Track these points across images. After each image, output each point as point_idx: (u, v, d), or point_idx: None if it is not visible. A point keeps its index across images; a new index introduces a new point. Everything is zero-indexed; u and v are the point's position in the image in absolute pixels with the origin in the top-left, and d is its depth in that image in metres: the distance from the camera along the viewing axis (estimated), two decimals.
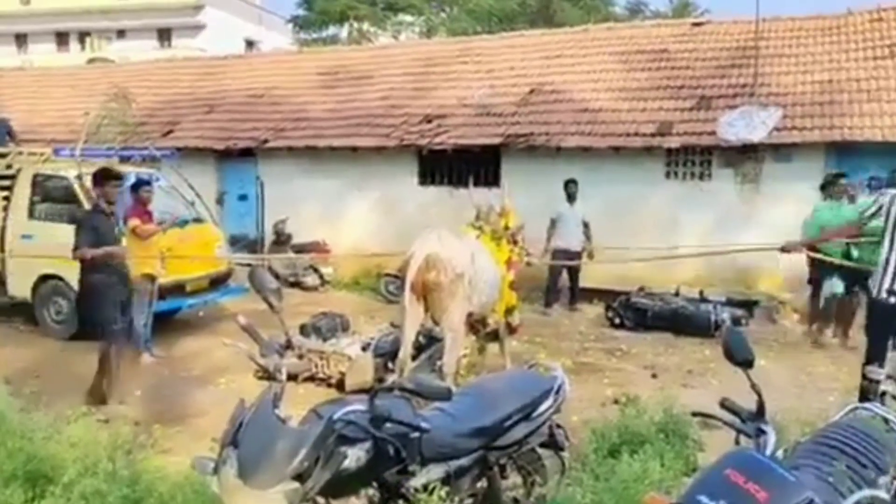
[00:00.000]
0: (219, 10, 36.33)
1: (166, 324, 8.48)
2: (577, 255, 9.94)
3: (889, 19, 12.25)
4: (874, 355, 5.18)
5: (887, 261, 5.13)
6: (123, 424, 4.20)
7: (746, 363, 2.63)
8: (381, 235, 11.65)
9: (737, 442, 2.66)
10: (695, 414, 3.13)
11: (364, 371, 6.32)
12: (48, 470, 3.71)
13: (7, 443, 3.88)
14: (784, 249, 5.77)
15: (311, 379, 6.67)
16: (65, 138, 11.44)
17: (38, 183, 8.71)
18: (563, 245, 9.84)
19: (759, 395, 2.60)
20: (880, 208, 5.26)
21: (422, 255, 5.73)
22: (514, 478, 3.68)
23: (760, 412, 2.58)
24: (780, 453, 2.96)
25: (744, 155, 10.57)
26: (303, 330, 6.97)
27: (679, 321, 9.11)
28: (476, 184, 11.60)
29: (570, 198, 10.13)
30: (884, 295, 5.13)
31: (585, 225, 10.13)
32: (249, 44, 36.14)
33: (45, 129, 14.27)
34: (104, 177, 6.38)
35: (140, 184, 7.76)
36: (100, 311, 6.15)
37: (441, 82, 13.83)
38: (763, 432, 2.52)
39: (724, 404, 2.70)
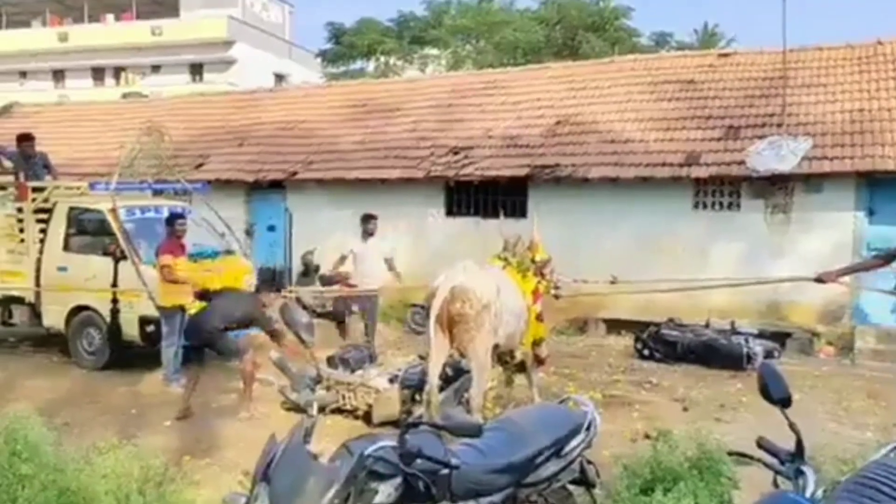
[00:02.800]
0: (249, 45, 37.12)
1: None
2: (375, 300, 9.38)
3: None
4: None
5: None
6: (153, 456, 4.21)
7: (784, 402, 2.57)
8: (408, 266, 11.62)
9: (775, 484, 2.59)
10: (731, 454, 3.06)
11: (391, 403, 6.31)
12: (80, 502, 3.74)
13: (40, 475, 3.92)
14: (819, 280, 5.65)
15: (339, 411, 6.67)
16: (101, 172, 11.70)
17: (73, 216, 8.91)
18: (358, 284, 9.17)
19: (798, 434, 2.52)
20: None
21: (447, 287, 5.75)
22: None
23: (799, 452, 2.51)
24: (819, 494, 2.88)
25: (773, 185, 10.47)
26: (330, 362, 7.00)
27: (710, 353, 8.99)
28: (504, 215, 11.66)
29: (367, 233, 9.37)
30: None
31: (387, 261, 9.38)
32: (279, 78, 36.79)
33: (82, 163, 14.61)
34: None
35: (174, 217, 7.89)
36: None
37: (468, 114, 13.94)
38: (802, 473, 2.45)
39: (761, 444, 2.63)
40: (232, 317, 6.78)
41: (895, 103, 10.87)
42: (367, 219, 9.51)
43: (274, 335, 7.06)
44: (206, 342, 6.90)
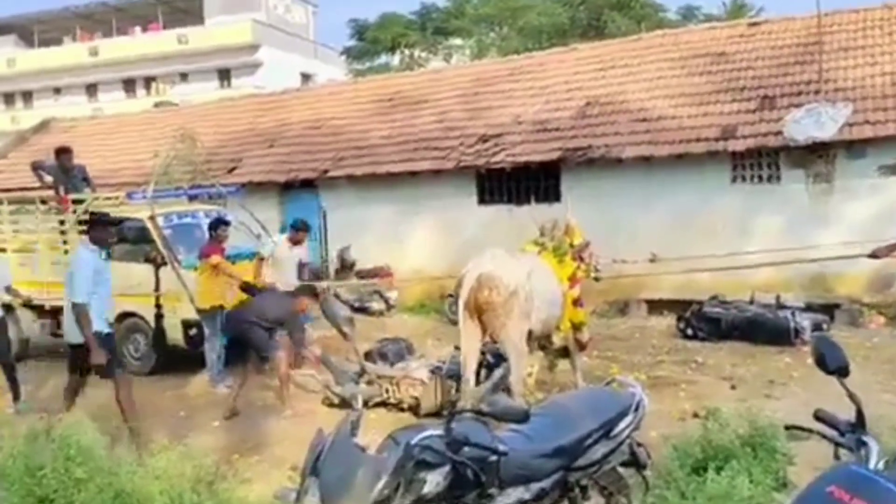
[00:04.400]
0: (274, 47, 37.41)
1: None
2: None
3: None
4: None
5: None
6: (204, 455, 4.26)
7: (841, 371, 2.49)
8: (443, 257, 11.67)
9: (836, 456, 2.51)
10: (788, 427, 2.98)
11: (436, 394, 6.31)
12: (135, 503, 3.81)
13: (96, 478, 4.00)
14: (874, 255, 5.45)
15: (383, 404, 6.69)
16: (137, 181, 11.90)
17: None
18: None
19: (858, 404, 2.44)
20: None
21: (474, 275, 5.74)
22: (597, 499, 3.59)
23: (861, 423, 2.43)
24: (881, 465, 2.78)
25: (814, 154, 10.20)
26: (368, 356, 7.01)
27: (756, 329, 8.79)
28: (537, 200, 11.61)
29: (294, 242, 8.65)
30: None
31: (302, 266, 8.78)
32: (305, 77, 37.02)
33: (118, 174, 14.89)
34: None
35: (218, 223, 8.01)
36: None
37: (495, 101, 13.85)
38: (864, 444, 2.37)
39: (818, 416, 2.55)
40: (265, 315, 6.84)
41: None
42: (297, 228, 8.72)
43: (297, 341, 7.12)
44: (239, 334, 7.00)
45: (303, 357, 7.36)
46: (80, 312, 5.75)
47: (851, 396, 2.44)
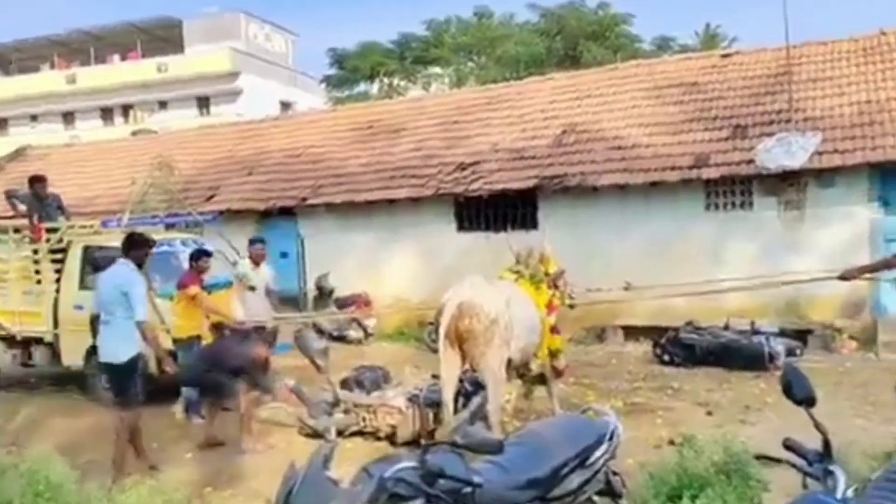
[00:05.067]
0: (254, 75, 37.51)
1: None
2: (264, 334, 8.20)
3: None
4: None
5: None
6: (175, 490, 4.19)
7: (808, 401, 2.53)
8: (422, 284, 11.68)
9: (804, 485, 2.54)
10: (758, 457, 3.00)
11: (413, 423, 6.27)
12: None
13: None
14: (843, 278, 5.56)
15: (359, 433, 6.63)
16: (113, 209, 11.83)
17: (87, 255, 8.97)
18: (244, 319, 7.99)
19: (825, 434, 2.48)
20: None
21: (455, 303, 5.73)
22: None
23: (827, 452, 2.46)
24: (850, 493, 2.81)
25: (785, 182, 10.40)
26: (345, 384, 6.94)
27: (730, 355, 8.88)
28: (514, 227, 11.68)
29: (253, 260, 8.55)
30: None
31: (269, 293, 8.65)
32: (285, 105, 37.10)
33: (94, 202, 14.78)
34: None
35: (200, 254, 7.95)
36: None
37: (473, 130, 13.99)
38: (831, 473, 2.40)
39: (788, 445, 2.58)
40: (222, 364, 6.67)
41: None
42: (253, 243, 8.66)
43: (262, 389, 7.02)
44: (194, 380, 6.85)
45: (266, 400, 7.27)
46: (145, 329, 5.87)
47: (818, 426, 2.48)
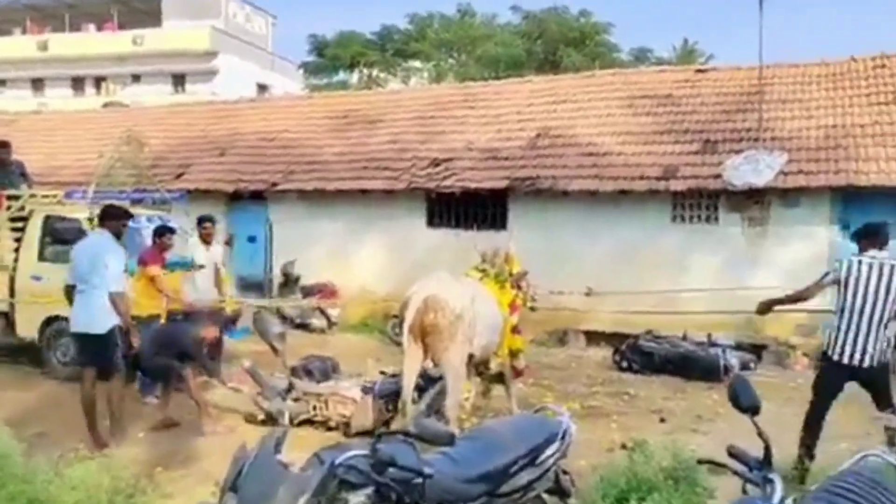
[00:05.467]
0: (232, 55, 37.02)
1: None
2: (214, 316, 8.03)
3: (892, 66, 12.40)
4: (817, 408, 5.43)
5: (839, 327, 5.24)
6: (124, 468, 4.15)
7: (752, 410, 2.61)
8: (389, 277, 11.68)
9: (744, 491, 2.62)
10: (701, 461, 3.10)
11: (368, 413, 6.28)
12: None
13: (8, 486, 3.86)
14: (760, 311, 5.83)
15: (309, 422, 6.60)
16: (79, 181, 11.58)
17: (49, 225, 8.80)
18: (193, 300, 7.80)
19: (767, 442, 2.56)
20: (832, 276, 5.28)
21: (420, 298, 5.76)
22: None
23: (768, 460, 2.55)
24: (789, 502, 2.90)
25: (750, 199, 10.60)
26: (294, 372, 6.88)
27: (687, 365, 9.04)
28: (484, 226, 11.74)
29: (204, 240, 8.37)
30: (835, 357, 5.27)
31: (218, 269, 8.47)
32: (262, 88, 36.71)
33: (60, 172, 14.47)
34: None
35: (164, 231, 7.84)
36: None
37: (449, 126, 14.01)
38: (770, 480, 2.48)
39: (731, 451, 2.66)
40: (169, 346, 6.60)
41: (868, 119, 11.08)
42: (202, 222, 8.48)
43: (209, 373, 6.98)
44: (143, 365, 6.77)
45: (214, 382, 7.23)
46: (121, 300, 5.88)
47: (760, 434, 2.56)
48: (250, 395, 6.78)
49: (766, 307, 5.78)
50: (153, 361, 6.58)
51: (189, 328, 6.98)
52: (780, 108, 11.90)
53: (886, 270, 5.13)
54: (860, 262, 5.21)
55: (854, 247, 5.49)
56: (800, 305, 5.85)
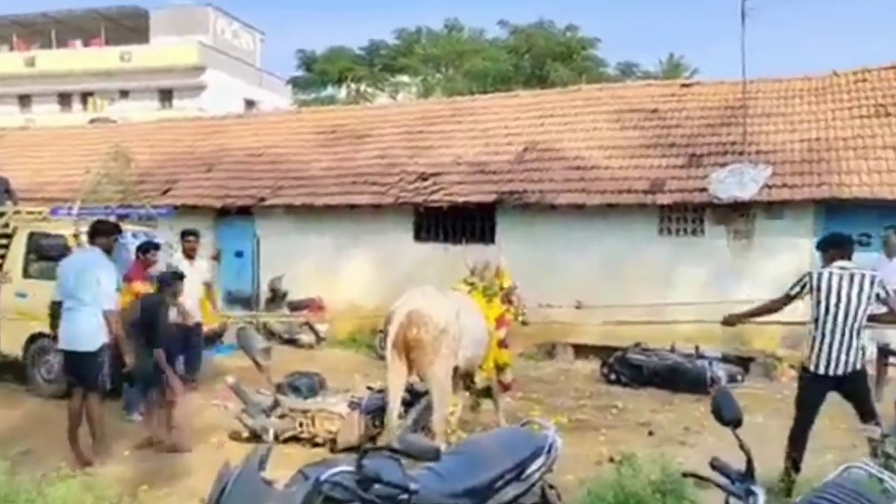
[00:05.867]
0: (220, 71, 37.07)
1: None
2: (197, 330, 8.16)
3: (873, 80, 12.57)
4: (801, 422, 5.45)
5: (814, 339, 5.28)
6: (108, 486, 4.11)
7: (734, 423, 2.63)
8: (377, 292, 11.64)
9: (726, 503, 2.64)
10: (685, 475, 3.11)
11: (354, 429, 6.25)
12: None
13: None
14: (726, 322, 5.90)
15: (295, 439, 6.57)
16: (65, 197, 11.52)
17: (33, 242, 8.75)
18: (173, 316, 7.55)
19: (749, 455, 2.58)
20: (804, 286, 5.34)
21: (404, 312, 5.75)
22: None
23: (750, 472, 2.56)
24: None
25: (735, 212, 10.68)
26: (280, 389, 6.84)
27: (675, 377, 9.06)
28: (472, 240, 11.73)
29: (186, 254, 8.38)
30: (812, 368, 5.31)
31: (206, 284, 8.52)
32: (249, 104, 36.74)
33: (46, 188, 14.41)
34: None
35: (148, 247, 7.80)
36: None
37: (436, 141, 14.05)
38: (753, 493, 2.49)
39: (714, 464, 2.68)
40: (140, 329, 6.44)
41: (850, 132, 11.21)
42: (185, 236, 8.48)
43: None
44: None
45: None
46: (113, 318, 5.87)
47: (742, 447, 2.58)
48: (234, 412, 6.74)
49: (732, 320, 5.86)
50: (142, 364, 6.45)
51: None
52: (763, 121, 12.02)
53: (857, 279, 5.20)
54: (830, 273, 5.27)
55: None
56: (772, 317, 5.90)
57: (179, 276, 6.96)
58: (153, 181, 14.45)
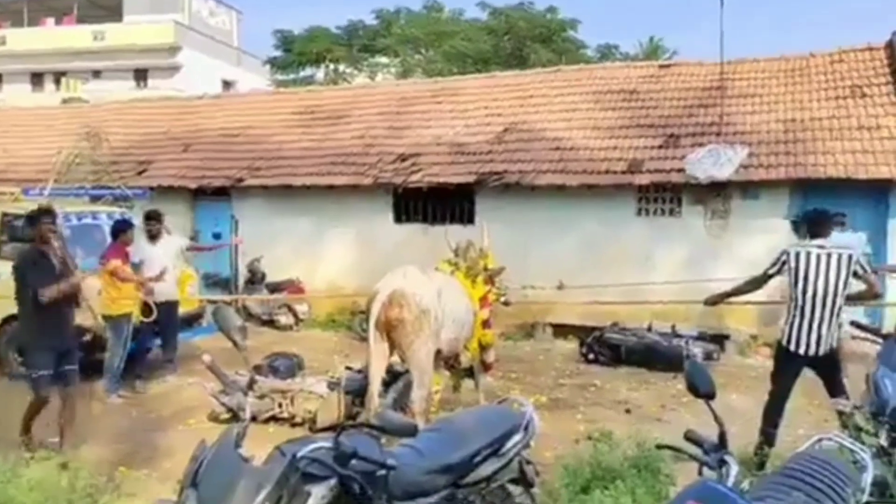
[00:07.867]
0: (196, 51, 36.45)
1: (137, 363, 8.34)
2: (174, 307, 8.30)
3: (849, 60, 12.66)
4: (776, 397, 5.55)
5: (792, 317, 5.33)
6: (83, 468, 4.08)
7: (708, 395, 2.67)
8: (356, 273, 11.63)
9: (700, 473, 2.68)
10: (659, 447, 3.16)
11: (334, 409, 6.26)
12: None
13: None
14: (707, 303, 5.99)
15: (274, 419, 6.56)
16: (38, 178, 11.34)
17: (5, 223, 8.62)
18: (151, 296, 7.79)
19: (721, 426, 2.62)
20: (783, 264, 5.38)
21: (386, 292, 5.74)
22: None
23: (723, 443, 2.60)
24: (746, 485, 2.97)
25: (712, 192, 10.76)
26: (258, 370, 6.81)
27: (652, 356, 9.17)
28: (451, 221, 11.75)
29: (151, 236, 8.28)
30: (790, 347, 5.39)
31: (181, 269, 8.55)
32: (227, 84, 36.22)
33: (19, 169, 14.17)
34: (36, 216, 6.05)
35: (123, 226, 7.71)
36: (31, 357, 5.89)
37: (416, 121, 13.98)
38: (725, 463, 2.53)
39: (687, 436, 2.72)
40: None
41: (826, 113, 11.30)
42: (149, 219, 8.33)
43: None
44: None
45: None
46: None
47: (716, 419, 2.62)
48: (212, 392, 6.72)
49: (714, 300, 5.94)
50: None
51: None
52: (741, 102, 12.08)
53: (835, 259, 5.20)
54: (808, 253, 5.28)
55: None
56: (753, 296, 5.98)
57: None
58: (128, 162, 14.25)
